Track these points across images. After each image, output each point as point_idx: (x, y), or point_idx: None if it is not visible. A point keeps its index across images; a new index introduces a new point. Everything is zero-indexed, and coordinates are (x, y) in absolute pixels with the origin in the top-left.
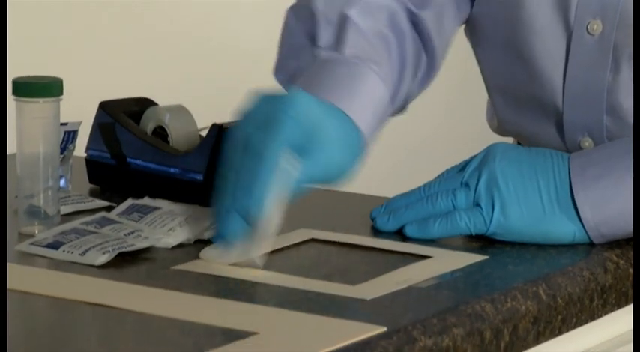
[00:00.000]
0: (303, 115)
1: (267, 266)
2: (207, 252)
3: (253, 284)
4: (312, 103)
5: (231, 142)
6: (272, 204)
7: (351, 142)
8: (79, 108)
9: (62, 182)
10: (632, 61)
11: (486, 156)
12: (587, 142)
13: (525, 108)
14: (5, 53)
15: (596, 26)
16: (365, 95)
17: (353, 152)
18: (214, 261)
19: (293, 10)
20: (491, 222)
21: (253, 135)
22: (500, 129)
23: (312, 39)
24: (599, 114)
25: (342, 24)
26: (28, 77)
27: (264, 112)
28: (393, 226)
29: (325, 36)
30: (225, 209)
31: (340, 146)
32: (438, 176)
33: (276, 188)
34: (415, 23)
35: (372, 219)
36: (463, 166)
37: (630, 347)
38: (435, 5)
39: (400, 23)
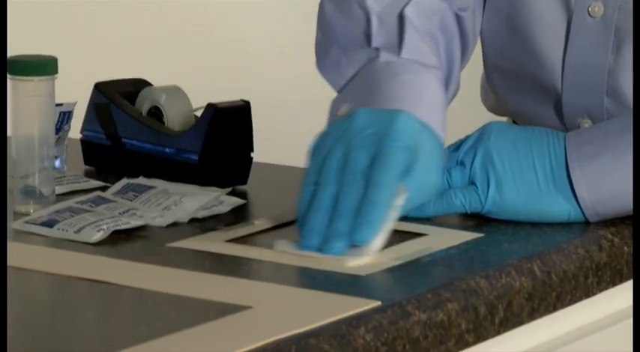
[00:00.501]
0: (411, 140)
1: (263, 245)
2: (281, 244)
3: (248, 261)
4: (414, 124)
5: (330, 154)
6: (382, 238)
7: (440, 154)
8: (75, 90)
9: (57, 162)
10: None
11: (482, 134)
12: (586, 124)
13: (525, 89)
14: (5, 52)
15: (598, 8)
16: (436, 103)
17: (441, 163)
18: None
19: (333, 3)
20: (486, 200)
21: (362, 157)
22: (497, 108)
23: (367, 37)
24: (600, 96)
25: (400, 24)
26: (23, 56)
27: (371, 133)
28: None
29: (382, 36)
30: (337, 231)
31: (436, 162)
32: None
33: (390, 222)
34: (459, 23)
35: None
36: (458, 145)
37: (625, 324)
38: (471, 5)
39: (449, 25)
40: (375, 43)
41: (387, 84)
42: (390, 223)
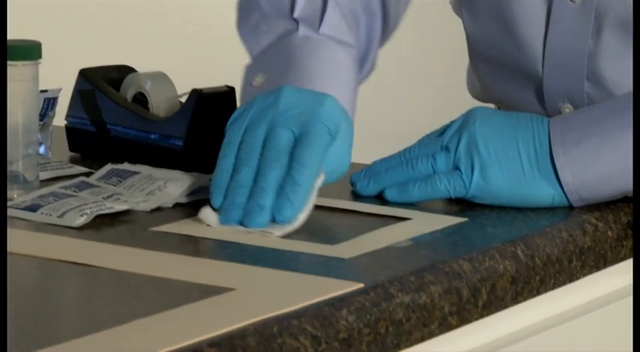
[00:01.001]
0: (334, 124)
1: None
2: (207, 215)
3: (231, 245)
4: (339, 108)
5: (254, 128)
6: (303, 217)
7: (352, 137)
8: (59, 76)
9: (42, 149)
10: (615, 27)
11: (466, 119)
12: (567, 109)
13: (507, 75)
14: (5, 51)
15: None
16: (349, 82)
17: (352, 145)
18: (212, 224)
19: None
20: (470, 184)
21: (286, 135)
22: (482, 95)
23: (291, 5)
24: (580, 81)
25: None
26: (7, 40)
27: (298, 113)
28: (373, 190)
29: (305, 8)
30: (259, 205)
31: (349, 145)
32: (418, 140)
33: (310, 203)
34: (383, 3)
35: (352, 184)
36: (443, 130)
37: (609, 308)
38: None
39: (373, 4)
40: (296, 12)
41: (303, 60)
42: (310, 203)
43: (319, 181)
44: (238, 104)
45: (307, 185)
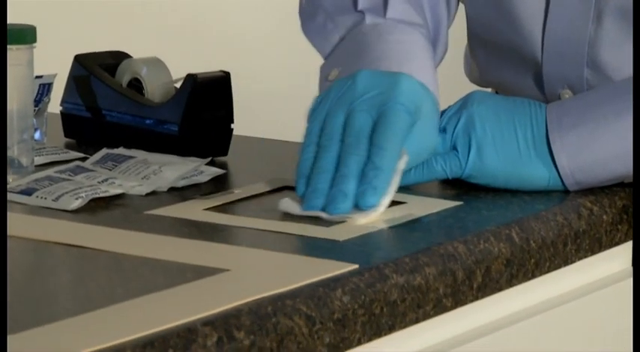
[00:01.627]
0: (413, 103)
1: (240, 212)
2: (287, 204)
3: (226, 227)
4: (416, 85)
5: (332, 115)
6: (387, 201)
7: (437, 115)
8: (54, 62)
9: (37, 134)
10: (616, 15)
11: (465, 102)
12: (567, 95)
13: (506, 60)
14: (5, 50)
15: None
16: (426, 61)
17: (437, 124)
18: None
19: None
20: (467, 163)
21: (365, 119)
22: (481, 80)
23: (353, 0)
24: (580, 67)
25: None
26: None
27: (374, 95)
28: None
29: None
30: (342, 192)
31: (434, 124)
32: None
33: (393, 186)
34: None
35: None
36: (441, 113)
37: (604, 291)
38: None
39: None
40: (360, 4)
41: (375, 45)
42: (393, 187)
43: (402, 163)
44: (234, 88)
45: (389, 168)
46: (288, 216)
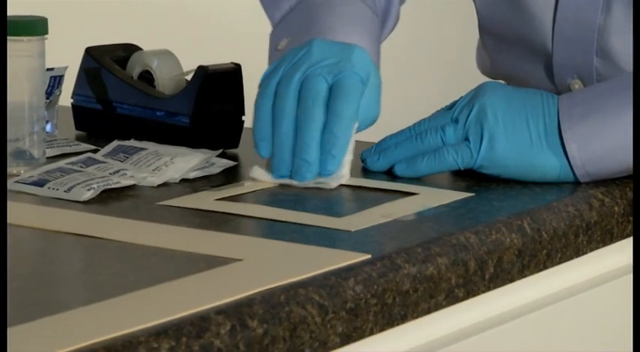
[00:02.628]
0: (365, 73)
1: (251, 201)
2: (258, 173)
3: (238, 218)
4: (368, 57)
5: (288, 79)
6: (347, 167)
7: (380, 88)
8: (66, 55)
9: (48, 127)
10: (625, 3)
11: (477, 93)
12: (577, 85)
13: (516, 50)
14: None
15: None
16: (370, 34)
17: (379, 94)
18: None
19: None
20: (478, 154)
21: (321, 84)
22: (491, 71)
23: None
24: (589, 56)
25: None
26: (13, 16)
27: (330, 64)
28: (383, 165)
29: None
30: (305, 161)
31: (378, 95)
32: (429, 115)
33: (349, 153)
34: None
35: (363, 160)
36: (453, 104)
37: (614, 283)
38: None
39: None
40: None
41: (323, 16)
42: (350, 153)
43: (354, 129)
44: (245, 80)
45: (346, 136)
46: (299, 207)
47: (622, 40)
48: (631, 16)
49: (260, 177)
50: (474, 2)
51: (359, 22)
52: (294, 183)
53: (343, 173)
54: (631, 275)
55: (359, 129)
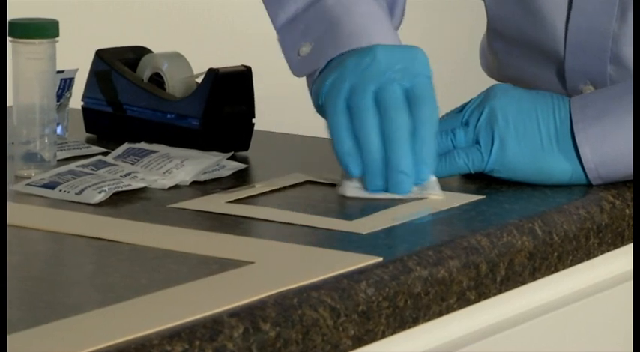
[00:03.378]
0: (431, 73)
1: (262, 205)
2: (346, 189)
3: (250, 220)
4: (427, 59)
5: (361, 90)
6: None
7: None
8: (76, 57)
9: (59, 129)
10: None
11: (487, 95)
12: (589, 90)
13: (526, 53)
14: (5, 49)
15: None
16: (393, 31)
17: None
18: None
19: None
20: (489, 157)
21: (399, 91)
22: (499, 74)
23: None
24: (603, 63)
25: None
26: (24, 19)
27: (401, 68)
28: None
29: None
30: (404, 173)
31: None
32: (439, 118)
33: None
34: None
35: None
36: (462, 107)
37: (625, 286)
38: None
39: None
40: None
41: (346, 17)
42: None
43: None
44: (255, 83)
45: (433, 140)
46: (309, 210)
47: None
48: None
49: (353, 194)
50: (485, 5)
51: (381, 20)
52: (396, 196)
53: (434, 178)
54: None
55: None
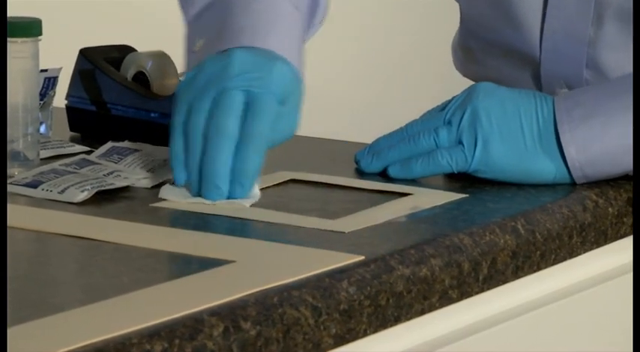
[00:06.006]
0: (283, 92)
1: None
2: (167, 192)
3: (232, 219)
4: (289, 73)
5: (201, 95)
6: (257, 188)
7: (301, 97)
8: (59, 56)
9: (42, 128)
10: (616, 17)
11: (469, 94)
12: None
13: (503, 57)
14: (5, 49)
15: None
16: (289, 34)
17: (301, 106)
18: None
19: None
20: (473, 158)
21: (239, 101)
22: (473, 73)
23: None
24: (579, 67)
25: None
26: (7, 17)
27: (251, 78)
28: (377, 167)
29: None
30: (217, 187)
31: (298, 109)
32: (421, 115)
33: (258, 174)
34: None
35: (357, 162)
36: (445, 105)
37: (609, 284)
38: None
39: None
40: None
41: (238, 17)
42: (258, 179)
43: (264, 152)
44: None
45: (257, 161)
46: (292, 209)
47: (614, 53)
48: (623, 29)
49: (171, 197)
50: (460, 8)
51: (276, 21)
52: (207, 202)
53: (254, 193)
54: (625, 276)
55: (271, 147)
